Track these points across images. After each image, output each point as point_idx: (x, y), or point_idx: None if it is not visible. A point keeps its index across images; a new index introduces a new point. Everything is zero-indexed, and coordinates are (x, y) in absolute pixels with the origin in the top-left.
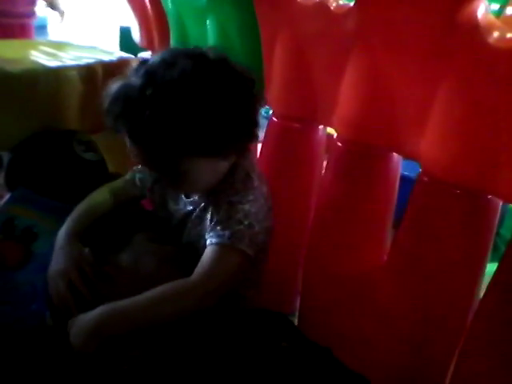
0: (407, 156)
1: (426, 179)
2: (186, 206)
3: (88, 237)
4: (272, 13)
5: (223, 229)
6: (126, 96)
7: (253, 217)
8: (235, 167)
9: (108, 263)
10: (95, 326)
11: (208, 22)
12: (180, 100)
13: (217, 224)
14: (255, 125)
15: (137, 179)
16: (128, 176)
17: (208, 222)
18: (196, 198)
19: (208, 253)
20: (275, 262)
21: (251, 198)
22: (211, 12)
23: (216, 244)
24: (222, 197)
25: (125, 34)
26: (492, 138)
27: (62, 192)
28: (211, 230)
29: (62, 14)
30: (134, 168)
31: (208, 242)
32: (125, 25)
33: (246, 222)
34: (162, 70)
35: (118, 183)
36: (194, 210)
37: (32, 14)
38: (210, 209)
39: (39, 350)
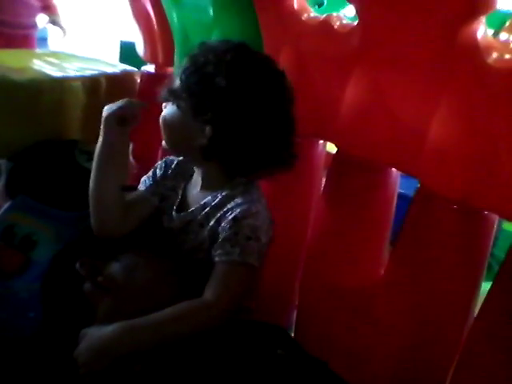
0: (406, 171)
1: (423, 194)
2: (179, 220)
3: (80, 246)
4: (277, 30)
5: (232, 246)
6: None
7: (259, 230)
8: (232, 182)
9: (100, 273)
10: (106, 346)
11: (213, 36)
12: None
13: (224, 241)
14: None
15: (149, 195)
16: (138, 193)
17: (206, 238)
18: (189, 211)
19: (219, 270)
20: (272, 275)
21: (254, 210)
22: (217, 27)
23: (226, 261)
24: (223, 213)
25: (125, 48)
26: (490, 156)
27: (62, 200)
28: (219, 248)
29: (63, 30)
30: (141, 187)
31: (217, 259)
32: (125, 39)
33: (253, 236)
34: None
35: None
36: (189, 223)
37: (34, 25)
38: (210, 224)
39: (36, 357)
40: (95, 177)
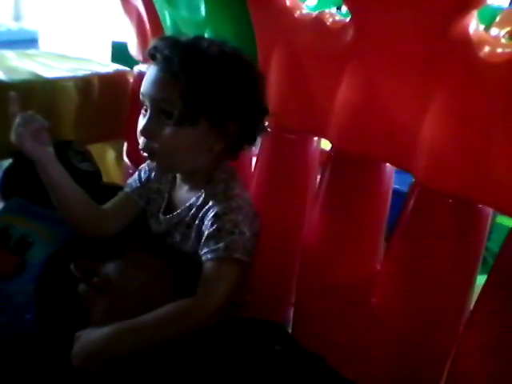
0: (400, 167)
1: (418, 189)
2: (166, 222)
3: (75, 247)
4: (269, 27)
5: (216, 242)
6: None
7: (241, 224)
8: (213, 180)
9: (95, 274)
10: (101, 348)
11: (206, 35)
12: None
13: (208, 239)
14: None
15: (135, 196)
16: (123, 194)
17: (194, 239)
18: (175, 213)
19: (207, 269)
20: (269, 272)
21: (235, 205)
22: (209, 26)
23: (212, 259)
24: (205, 211)
25: (117, 48)
26: (483, 149)
27: None
28: (204, 246)
29: None
30: (127, 188)
31: (204, 257)
32: (117, 39)
33: (236, 231)
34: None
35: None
36: (177, 225)
37: None
38: (195, 225)
39: (32, 359)
40: (51, 196)
